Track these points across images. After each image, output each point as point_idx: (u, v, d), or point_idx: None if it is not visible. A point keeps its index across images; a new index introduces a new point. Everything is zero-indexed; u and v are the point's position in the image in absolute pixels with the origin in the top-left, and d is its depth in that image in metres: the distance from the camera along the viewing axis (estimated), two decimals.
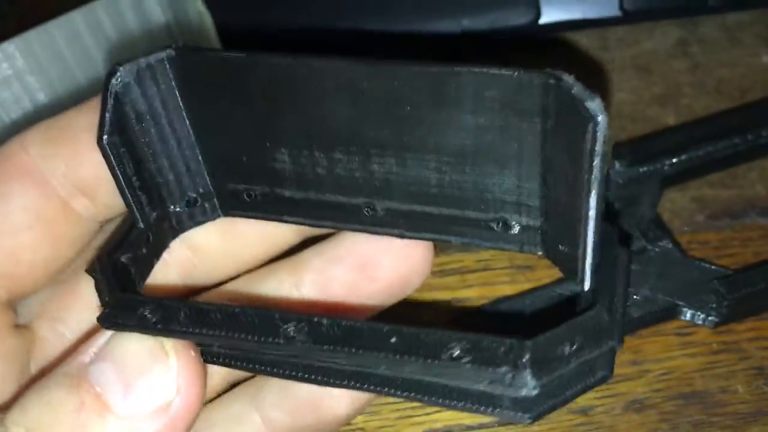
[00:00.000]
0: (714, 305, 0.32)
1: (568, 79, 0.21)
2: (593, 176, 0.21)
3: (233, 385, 0.28)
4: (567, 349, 0.21)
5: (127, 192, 0.25)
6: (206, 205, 0.28)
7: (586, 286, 0.23)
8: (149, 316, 0.23)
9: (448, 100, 0.24)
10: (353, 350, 0.22)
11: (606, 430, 0.31)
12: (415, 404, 0.32)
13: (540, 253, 0.26)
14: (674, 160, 0.36)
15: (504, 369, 0.20)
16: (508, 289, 0.35)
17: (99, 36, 0.42)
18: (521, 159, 0.24)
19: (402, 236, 0.27)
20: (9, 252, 0.24)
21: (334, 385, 0.24)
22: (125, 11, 0.42)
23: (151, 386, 0.19)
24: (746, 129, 0.37)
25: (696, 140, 0.37)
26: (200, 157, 0.27)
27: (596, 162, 0.21)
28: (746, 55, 0.43)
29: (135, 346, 0.20)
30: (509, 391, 0.21)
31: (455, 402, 0.22)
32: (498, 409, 0.22)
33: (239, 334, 0.22)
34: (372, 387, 0.23)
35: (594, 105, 0.21)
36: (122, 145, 0.24)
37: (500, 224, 0.26)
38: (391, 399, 0.32)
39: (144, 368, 0.19)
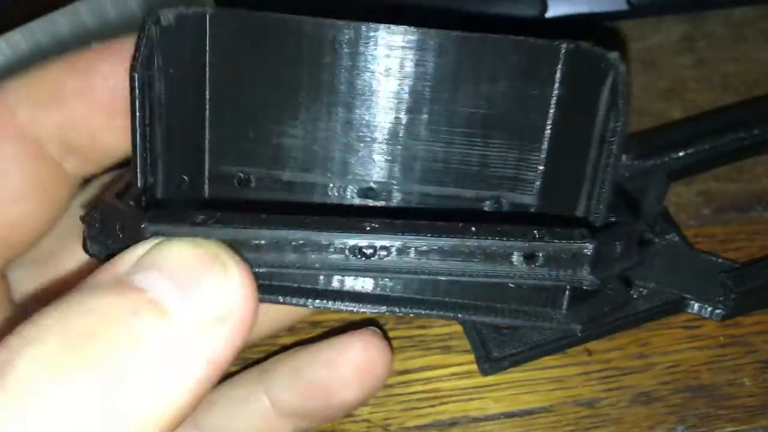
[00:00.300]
0: (721, 298, 0.32)
1: (586, 43, 0.23)
2: (620, 117, 0.22)
3: (242, 369, 0.28)
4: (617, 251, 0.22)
5: (138, 140, 0.23)
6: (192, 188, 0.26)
7: (601, 218, 0.23)
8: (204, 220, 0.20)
9: (469, 68, 0.24)
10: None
11: (612, 422, 0.30)
12: (420, 396, 0.32)
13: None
14: (681, 154, 0.36)
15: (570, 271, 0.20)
16: None
17: (103, 25, 0.42)
18: (530, 129, 0.25)
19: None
20: (6, 221, 0.23)
21: (372, 309, 0.22)
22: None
23: (212, 293, 0.17)
24: (752, 123, 0.37)
25: (702, 134, 0.37)
26: (207, 132, 0.26)
27: (620, 103, 0.22)
28: (752, 51, 0.43)
29: (189, 252, 0.17)
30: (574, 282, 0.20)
31: (508, 318, 0.22)
32: (550, 322, 0.22)
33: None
34: (413, 309, 0.22)
35: (614, 55, 0.22)
36: (146, 88, 0.22)
37: (493, 202, 0.26)
38: (396, 391, 0.32)
39: (202, 274, 0.17)
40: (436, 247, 0.20)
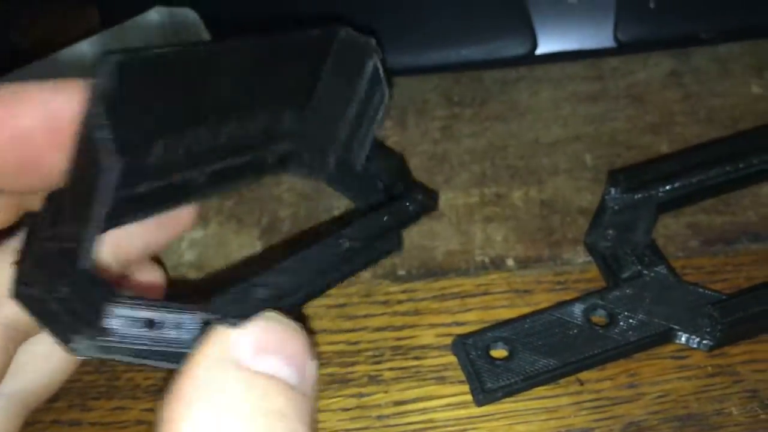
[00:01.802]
0: (708, 329, 0.33)
1: (352, 31, 0.30)
2: (383, 91, 0.31)
3: None
4: None
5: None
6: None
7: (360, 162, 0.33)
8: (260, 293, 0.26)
9: (269, 63, 0.29)
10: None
11: None
12: (416, 426, 0.32)
13: (290, 169, 0.34)
14: (668, 187, 0.37)
15: None
16: (506, 313, 0.36)
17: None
18: (298, 94, 0.31)
19: (210, 194, 0.31)
20: None
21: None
22: (133, 43, 0.43)
23: (311, 360, 0.20)
24: (738, 157, 0.38)
25: (690, 168, 0.38)
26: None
27: (381, 74, 0.31)
28: (737, 85, 0.44)
29: (293, 335, 0.20)
30: None
31: None
32: None
33: None
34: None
35: (372, 41, 0.30)
36: None
37: (273, 157, 0.33)
38: (392, 422, 0.33)
39: (304, 351, 0.20)
40: None
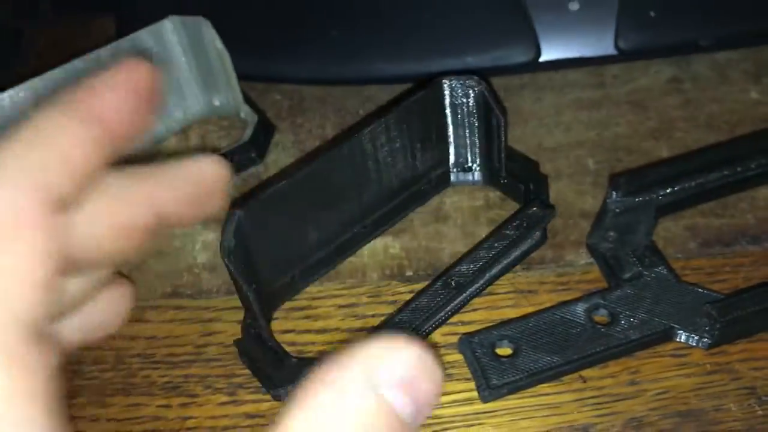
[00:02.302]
0: (707, 327, 0.34)
1: (452, 78, 0.39)
2: (497, 113, 0.38)
3: None
4: None
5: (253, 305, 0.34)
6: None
7: (503, 170, 0.40)
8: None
9: (391, 133, 0.38)
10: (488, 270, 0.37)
11: None
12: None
13: (451, 183, 0.42)
14: (668, 191, 0.38)
15: None
16: (511, 313, 0.37)
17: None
18: (438, 136, 0.40)
19: (382, 233, 0.41)
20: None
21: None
22: (149, 53, 0.44)
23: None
24: (736, 161, 0.39)
25: (689, 172, 0.39)
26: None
27: (492, 102, 0.38)
28: (735, 92, 0.45)
29: (427, 364, 0.19)
30: None
31: None
32: None
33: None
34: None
35: (471, 82, 0.39)
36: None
37: (427, 183, 0.41)
38: None
39: (433, 388, 0.19)
40: None
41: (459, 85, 0.39)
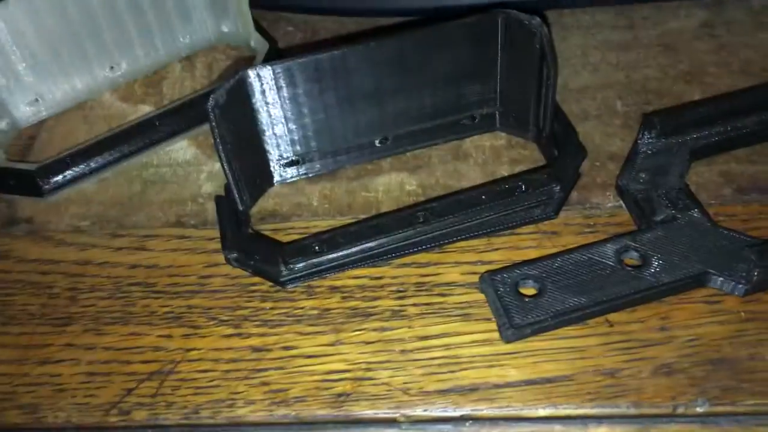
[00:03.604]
0: (744, 273, 0.32)
1: (513, 12, 0.34)
2: (550, 64, 0.34)
3: None
4: None
5: (229, 175, 0.34)
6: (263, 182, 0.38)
7: (547, 130, 0.37)
8: (318, 248, 0.34)
9: (437, 47, 0.35)
10: (463, 212, 0.34)
11: (633, 392, 0.30)
12: (440, 362, 0.32)
13: (498, 127, 0.39)
14: (703, 133, 0.36)
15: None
16: (533, 254, 0.35)
17: None
18: (485, 70, 0.37)
19: (404, 152, 0.39)
20: None
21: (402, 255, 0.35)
22: None
23: None
24: None
25: (725, 115, 0.37)
26: (266, 143, 0.37)
27: (548, 51, 0.34)
28: None
29: None
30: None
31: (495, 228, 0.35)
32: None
33: (385, 236, 0.34)
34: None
35: (536, 21, 0.34)
36: (223, 140, 0.33)
37: (470, 119, 0.39)
38: (416, 356, 0.32)
39: None
40: None
41: (518, 23, 0.35)
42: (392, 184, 0.38)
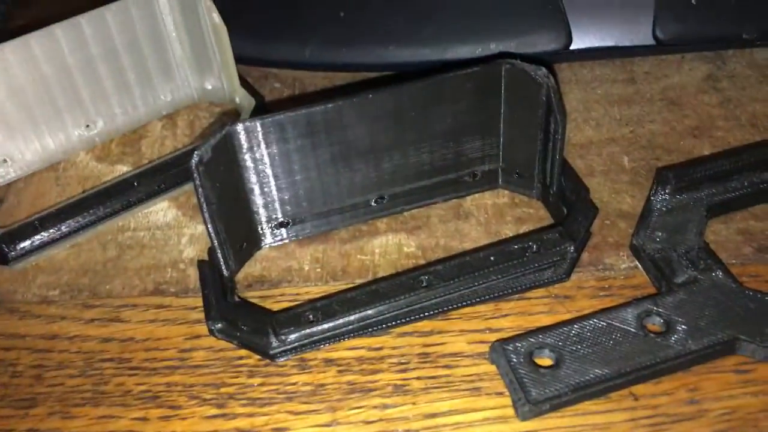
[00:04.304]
0: None
1: (518, 62, 0.32)
2: (558, 116, 0.32)
3: None
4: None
5: (214, 239, 0.31)
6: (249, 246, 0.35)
7: (555, 187, 0.34)
8: (312, 317, 0.31)
9: (436, 100, 0.33)
10: (469, 275, 0.32)
11: None
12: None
13: (500, 184, 0.37)
14: (720, 188, 0.34)
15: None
16: (545, 320, 0.32)
17: (106, 44, 0.40)
18: (487, 124, 0.35)
19: (402, 212, 0.36)
20: None
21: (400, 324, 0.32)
22: (135, 21, 0.40)
23: None
24: None
25: (742, 169, 0.35)
26: (255, 204, 0.34)
27: (555, 103, 0.32)
28: None
29: None
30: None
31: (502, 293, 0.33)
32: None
33: (386, 302, 0.31)
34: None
35: (542, 72, 0.32)
36: (207, 201, 0.30)
37: (471, 176, 0.36)
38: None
39: None
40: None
41: (522, 73, 0.32)
42: (389, 246, 0.35)
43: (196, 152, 0.29)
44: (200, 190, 0.30)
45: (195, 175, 0.29)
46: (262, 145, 0.32)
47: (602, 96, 0.42)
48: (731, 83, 0.42)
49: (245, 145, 0.32)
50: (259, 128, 0.31)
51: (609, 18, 0.40)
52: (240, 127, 0.31)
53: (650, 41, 0.40)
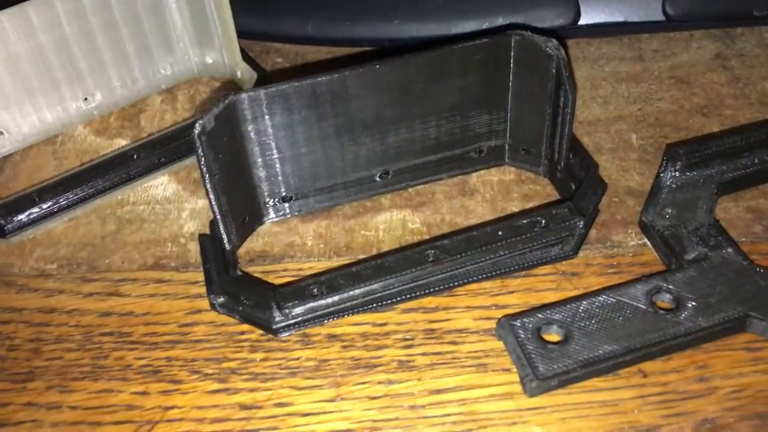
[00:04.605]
0: None
1: (528, 33, 0.31)
2: (568, 90, 0.31)
3: None
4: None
5: (216, 211, 0.30)
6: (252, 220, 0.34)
7: (563, 163, 0.34)
8: (316, 291, 0.30)
9: (444, 72, 0.32)
10: (477, 250, 0.31)
11: None
12: (456, 419, 0.28)
13: (506, 161, 0.36)
14: (731, 165, 0.34)
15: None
16: (552, 296, 0.31)
17: (105, 15, 0.39)
18: (495, 98, 0.34)
19: (406, 188, 0.36)
20: None
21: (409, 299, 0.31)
22: None
23: None
24: None
25: (753, 146, 0.34)
26: (258, 178, 0.33)
27: (565, 76, 0.31)
28: None
29: None
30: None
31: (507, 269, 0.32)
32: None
33: (391, 277, 0.30)
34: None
35: (552, 43, 0.31)
36: (210, 172, 0.30)
37: (477, 152, 0.36)
38: (429, 413, 0.28)
39: None
40: None
41: (533, 45, 0.31)
42: (394, 222, 0.35)
43: (198, 122, 0.29)
44: (202, 160, 0.29)
45: (197, 144, 0.29)
46: (266, 116, 0.31)
47: (610, 73, 0.42)
48: (740, 62, 0.42)
49: (249, 116, 0.31)
50: (263, 98, 0.31)
51: None
52: (244, 96, 0.30)
53: (660, 17, 0.39)
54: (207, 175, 0.29)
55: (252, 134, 0.32)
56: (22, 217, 0.35)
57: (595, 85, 0.41)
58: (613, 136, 0.38)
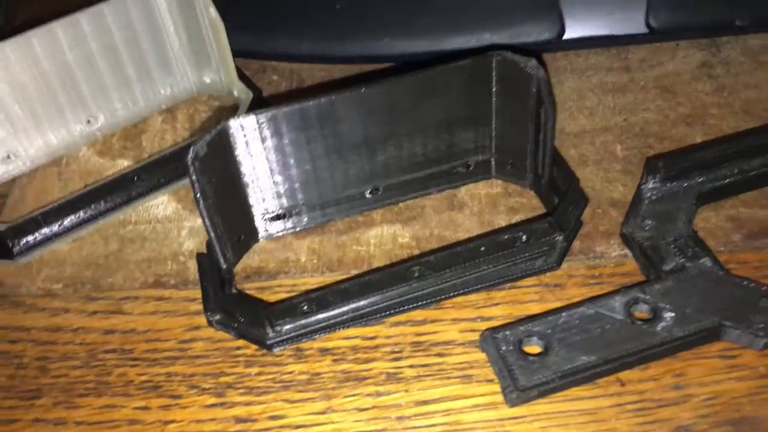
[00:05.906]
0: (762, 325, 0.30)
1: (509, 54, 0.33)
2: (548, 108, 0.32)
3: None
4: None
5: (212, 232, 0.32)
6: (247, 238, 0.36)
7: (546, 177, 0.35)
8: (306, 308, 0.31)
9: (429, 92, 0.34)
10: (461, 265, 0.32)
11: None
12: (440, 429, 0.29)
13: (494, 175, 0.37)
14: (710, 176, 0.35)
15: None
16: (536, 308, 0.33)
17: (105, 40, 0.40)
18: (479, 116, 0.35)
19: (396, 203, 0.37)
20: None
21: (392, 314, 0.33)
22: (133, 16, 0.40)
23: None
24: None
25: (731, 157, 0.35)
26: (250, 196, 0.35)
27: (545, 94, 0.32)
28: None
29: None
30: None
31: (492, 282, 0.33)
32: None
33: (379, 293, 0.32)
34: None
35: (532, 63, 0.32)
36: (204, 195, 0.31)
37: (464, 167, 0.37)
38: (414, 423, 0.29)
39: None
40: None
41: (513, 65, 0.32)
42: (384, 237, 0.36)
43: (191, 148, 0.30)
44: (196, 185, 0.30)
45: (191, 170, 0.30)
46: (257, 140, 0.33)
47: (596, 84, 0.43)
48: (725, 70, 0.43)
49: (240, 140, 0.32)
50: (253, 123, 0.32)
51: (602, 7, 0.40)
52: (234, 123, 0.32)
53: (643, 29, 0.40)
54: (201, 199, 0.31)
55: (244, 157, 0.33)
56: (30, 238, 0.36)
57: (581, 96, 0.42)
58: (599, 147, 0.39)
